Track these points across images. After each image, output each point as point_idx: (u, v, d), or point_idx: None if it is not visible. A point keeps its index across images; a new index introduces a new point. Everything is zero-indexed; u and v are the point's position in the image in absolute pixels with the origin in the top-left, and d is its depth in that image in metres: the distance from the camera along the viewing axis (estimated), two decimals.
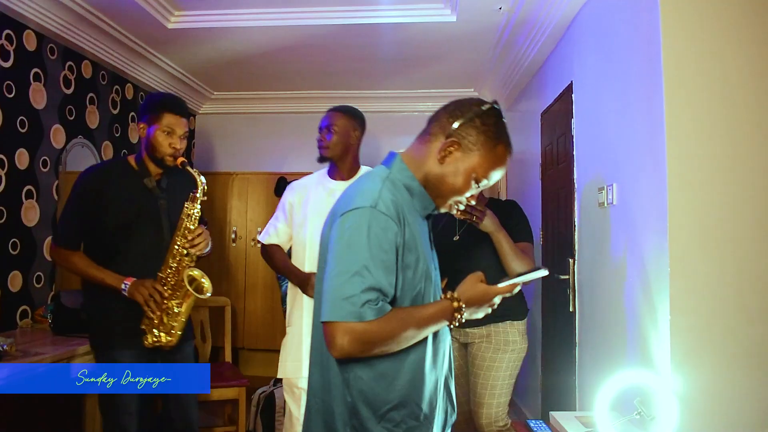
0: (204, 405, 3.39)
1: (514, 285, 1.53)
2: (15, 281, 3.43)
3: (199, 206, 2.46)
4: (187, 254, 2.42)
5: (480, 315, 1.55)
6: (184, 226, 2.43)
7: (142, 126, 2.47)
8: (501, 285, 1.52)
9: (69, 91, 3.94)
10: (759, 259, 2.10)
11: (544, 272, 1.56)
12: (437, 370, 1.55)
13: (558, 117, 3.68)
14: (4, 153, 3.34)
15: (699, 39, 2.17)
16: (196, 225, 2.45)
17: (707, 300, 2.11)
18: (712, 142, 2.14)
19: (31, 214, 3.55)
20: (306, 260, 2.61)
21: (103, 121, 4.31)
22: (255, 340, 5.38)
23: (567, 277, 3.37)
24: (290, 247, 2.75)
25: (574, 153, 3.30)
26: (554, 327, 3.77)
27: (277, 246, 2.73)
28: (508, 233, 2.61)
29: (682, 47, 2.17)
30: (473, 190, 1.53)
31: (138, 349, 2.40)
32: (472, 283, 1.51)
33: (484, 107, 1.50)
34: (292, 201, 2.71)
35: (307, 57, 4.52)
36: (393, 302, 1.42)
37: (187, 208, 2.45)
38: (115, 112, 4.50)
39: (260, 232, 2.95)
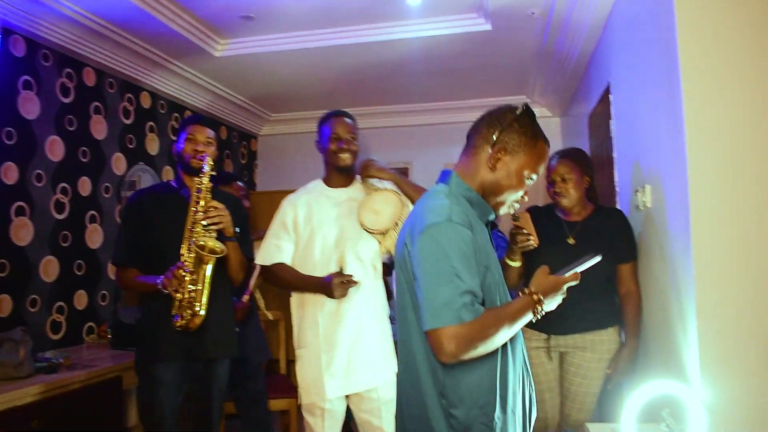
0: None
1: (577, 273, 1.64)
2: (81, 300, 3.70)
3: (207, 180, 2.47)
4: (204, 227, 2.42)
5: (554, 305, 1.64)
6: (193, 198, 2.46)
7: (174, 148, 2.62)
8: (567, 274, 1.63)
9: (129, 121, 4.22)
10: None
11: (598, 258, 1.68)
12: (516, 366, 1.64)
13: (601, 119, 3.58)
14: (67, 181, 3.63)
15: (716, 34, 2.06)
16: (209, 198, 2.46)
17: (735, 305, 1.99)
18: (733, 142, 2.02)
19: (95, 237, 3.82)
20: (317, 275, 2.46)
21: (163, 147, 4.58)
22: None
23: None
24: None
25: (614, 155, 3.20)
26: None
27: (282, 264, 2.54)
28: (605, 248, 2.61)
29: (699, 44, 2.08)
30: (526, 187, 1.68)
31: (180, 361, 2.51)
32: (544, 276, 1.62)
33: (518, 111, 1.65)
34: (296, 216, 2.54)
35: (350, 76, 4.62)
36: (481, 304, 1.54)
37: (195, 182, 2.48)
38: (175, 138, 4.74)
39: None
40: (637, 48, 2.72)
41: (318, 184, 2.64)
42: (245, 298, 3.16)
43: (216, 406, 2.63)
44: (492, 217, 1.70)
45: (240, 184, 3.66)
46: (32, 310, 3.34)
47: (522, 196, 1.69)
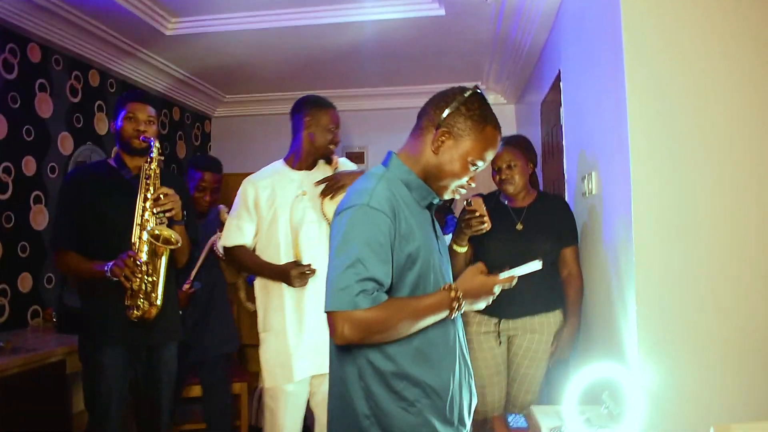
0: None
1: (513, 277, 1.61)
2: (25, 282, 3.60)
3: (155, 165, 2.44)
4: (155, 214, 2.39)
5: (480, 306, 1.61)
6: (142, 185, 2.42)
7: (112, 125, 2.55)
8: (500, 276, 1.59)
9: (76, 100, 4.10)
10: (723, 249, 2.03)
11: (538, 264, 1.63)
12: (450, 350, 1.61)
13: (552, 107, 3.64)
14: (10, 161, 3.51)
15: (659, 26, 2.11)
16: (158, 184, 2.43)
17: (673, 290, 2.06)
18: (674, 131, 2.07)
19: (39, 218, 3.72)
20: (282, 257, 2.49)
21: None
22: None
23: None
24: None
25: (564, 142, 3.26)
26: None
27: (243, 246, 2.57)
28: (551, 233, 2.69)
29: (642, 35, 2.12)
30: (471, 173, 1.62)
31: (126, 345, 2.47)
32: (472, 275, 1.57)
33: (467, 93, 1.58)
34: (257, 197, 2.54)
35: (305, 58, 4.58)
36: (392, 290, 1.51)
37: (144, 168, 2.43)
38: None
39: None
40: (585, 37, 2.76)
41: (281, 167, 2.63)
42: (185, 287, 3.10)
43: (165, 391, 2.60)
44: (436, 200, 1.66)
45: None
46: None
47: (468, 182, 1.64)
